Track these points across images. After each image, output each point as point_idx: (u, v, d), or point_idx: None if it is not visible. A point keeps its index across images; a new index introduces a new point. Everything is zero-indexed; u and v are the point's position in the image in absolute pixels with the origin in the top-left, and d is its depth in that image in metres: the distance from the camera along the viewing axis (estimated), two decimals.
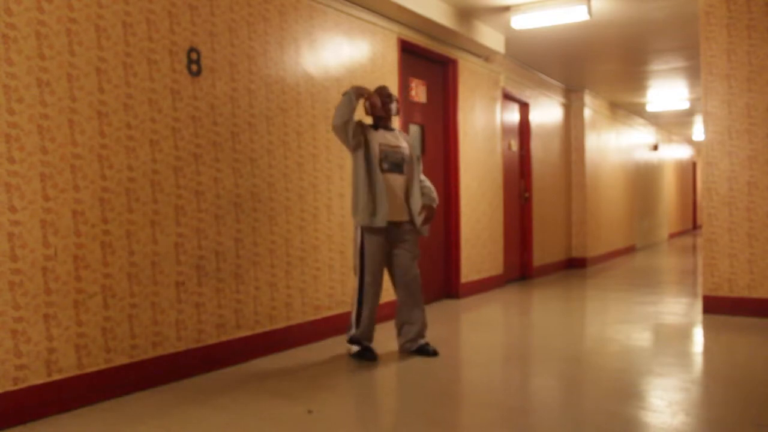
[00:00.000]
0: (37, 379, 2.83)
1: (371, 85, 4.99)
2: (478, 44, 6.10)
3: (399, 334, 4.02)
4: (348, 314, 4.67)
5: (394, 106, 3.95)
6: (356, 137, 3.74)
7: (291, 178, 4.24)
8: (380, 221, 3.72)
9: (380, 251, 3.81)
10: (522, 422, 2.78)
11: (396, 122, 3.74)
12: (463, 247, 6.27)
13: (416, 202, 3.91)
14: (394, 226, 3.85)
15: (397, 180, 3.86)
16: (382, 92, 3.95)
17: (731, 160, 5.13)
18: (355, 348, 3.91)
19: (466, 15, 5.78)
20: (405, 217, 3.89)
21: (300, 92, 4.32)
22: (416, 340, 3.97)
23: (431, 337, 4.22)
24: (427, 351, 3.92)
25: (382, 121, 3.94)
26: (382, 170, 3.78)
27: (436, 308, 5.74)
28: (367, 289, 3.80)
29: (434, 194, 4.01)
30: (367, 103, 3.89)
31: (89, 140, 3.05)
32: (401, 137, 4.00)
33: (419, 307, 3.95)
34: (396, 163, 3.86)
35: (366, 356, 3.86)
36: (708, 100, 5.20)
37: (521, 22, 5.64)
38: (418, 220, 3.90)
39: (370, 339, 3.93)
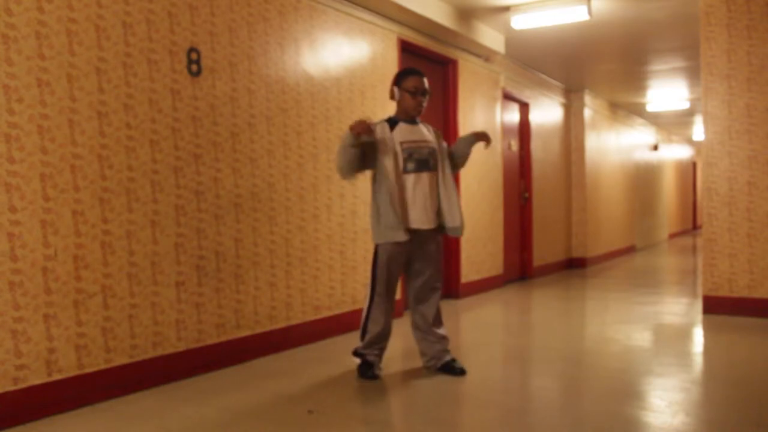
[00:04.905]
0: (37, 379, 2.83)
1: (371, 85, 5.00)
2: (478, 44, 6.10)
3: (421, 353, 3.64)
4: (348, 314, 4.68)
5: (425, 100, 3.45)
6: (359, 171, 3.39)
7: (291, 178, 4.24)
8: (401, 236, 3.30)
9: (398, 260, 3.40)
10: (522, 422, 2.78)
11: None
12: (463, 247, 6.27)
13: (448, 201, 3.45)
14: (417, 233, 3.41)
15: (425, 179, 3.40)
16: (415, 83, 3.41)
17: (731, 160, 5.13)
18: (357, 361, 3.55)
19: (466, 15, 5.77)
20: (431, 225, 3.43)
21: (300, 92, 4.32)
22: (440, 357, 3.57)
23: None
24: (453, 369, 3.50)
25: (405, 115, 3.46)
26: (407, 171, 3.36)
27: None
28: (377, 301, 3.43)
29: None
30: (395, 89, 3.44)
31: (89, 140, 3.05)
32: (425, 129, 3.53)
33: (438, 324, 3.59)
34: (422, 160, 3.40)
35: (364, 373, 3.47)
36: (708, 100, 5.20)
37: (521, 22, 5.64)
38: (453, 218, 3.45)
39: (377, 354, 3.54)
